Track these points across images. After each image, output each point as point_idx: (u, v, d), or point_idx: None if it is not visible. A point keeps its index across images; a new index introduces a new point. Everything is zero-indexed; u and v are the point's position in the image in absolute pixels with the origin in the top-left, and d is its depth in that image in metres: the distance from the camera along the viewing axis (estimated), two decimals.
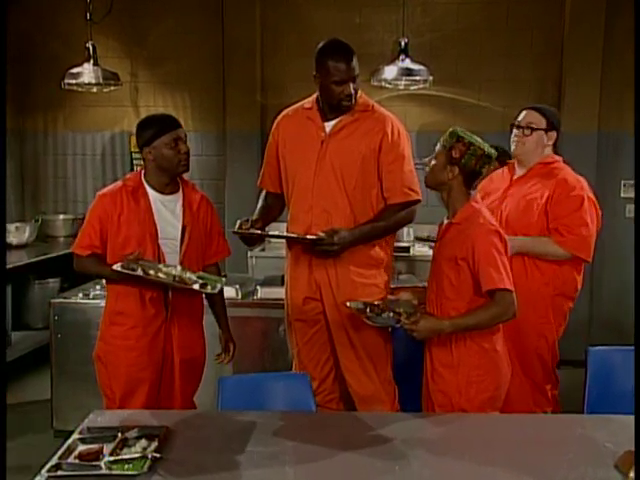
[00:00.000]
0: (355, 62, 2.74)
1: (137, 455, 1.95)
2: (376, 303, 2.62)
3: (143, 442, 2.02)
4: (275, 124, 3.02)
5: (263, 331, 3.73)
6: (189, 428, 2.22)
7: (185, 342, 2.77)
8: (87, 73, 5.03)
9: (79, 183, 6.11)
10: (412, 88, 5.19)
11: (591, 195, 3.10)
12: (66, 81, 5.06)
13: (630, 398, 2.07)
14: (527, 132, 3.13)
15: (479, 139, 2.52)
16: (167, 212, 2.73)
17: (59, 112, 6.02)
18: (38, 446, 3.29)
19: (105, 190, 2.74)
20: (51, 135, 6.08)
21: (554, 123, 3.16)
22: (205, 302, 2.91)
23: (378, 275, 2.89)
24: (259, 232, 2.82)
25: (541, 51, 5.42)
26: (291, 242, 2.93)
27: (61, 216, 5.92)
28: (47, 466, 1.90)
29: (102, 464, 1.91)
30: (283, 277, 3.14)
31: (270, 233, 2.98)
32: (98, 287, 3.89)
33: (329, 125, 2.85)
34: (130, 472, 1.88)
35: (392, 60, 4.91)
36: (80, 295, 3.89)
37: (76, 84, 5.11)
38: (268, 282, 3.92)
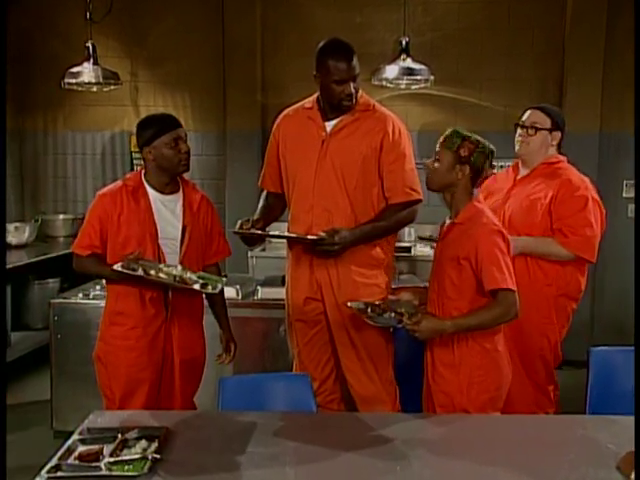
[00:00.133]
0: (355, 61, 2.73)
1: (137, 456, 1.95)
2: (377, 303, 2.61)
3: (143, 443, 2.02)
4: (276, 124, 3.01)
5: (264, 331, 3.73)
6: (189, 429, 2.22)
7: (185, 342, 2.77)
8: (87, 72, 5.03)
9: (79, 183, 6.11)
10: (413, 87, 5.18)
11: (595, 195, 3.09)
12: (66, 80, 5.05)
13: (632, 399, 2.06)
14: (531, 132, 3.12)
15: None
16: (167, 212, 2.72)
17: (59, 111, 6.02)
18: (38, 447, 3.27)
19: (105, 190, 2.73)
20: (51, 135, 6.08)
21: (559, 123, 3.15)
22: (205, 302, 2.91)
23: (379, 275, 2.88)
24: (260, 232, 2.81)
25: (542, 50, 5.41)
26: (292, 242, 2.93)
27: (61, 216, 5.92)
28: (47, 467, 1.89)
29: (102, 465, 1.90)
30: (284, 277, 3.14)
31: (271, 233, 2.97)
32: (98, 287, 3.89)
33: (330, 125, 2.84)
34: (130, 473, 1.88)
35: (393, 59, 4.90)
36: (80, 295, 3.88)
37: (76, 83, 5.11)
38: (269, 282, 3.92)
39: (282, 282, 3.26)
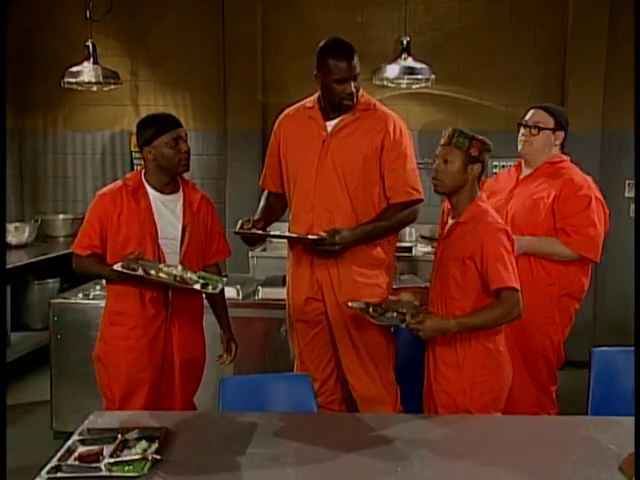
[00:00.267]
0: (356, 60, 2.72)
1: (137, 457, 1.94)
2: (378, 303, 2.60)
3: (143, 443, 2.01)
4: (277, 123, 3.01)
5: (264, 332, 3.72)
6: (190, 429, 2.21)
7: (185, 342, 2.76)
8: (87, 72, 5.03)
9: (79, 183, 6.10)
10: (414, 87, 5.17)
11: (599, 195, 3.08)
12: (66, 80, 5.05)
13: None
14: (534, 131, 3.11)
15: None
16: (167, 212, 2.72)
17: (59, 111, 6.01)
18: (38, 447, 3.26)
19: (105, 190, 2.73)
20: (51, 134, 6.07)
21: (562, 122, 3.14)
22: (206, 302, 2.90)
23: (380, 275, 2.87)
24: (260, 232, 2.81)
25: (544, 49, 5.40)
26: (293, 242, 2.92)
27: (61, 216, 5.91)
28: (47, 468, 1.89)
29: (102, 466, 1.90)
30: (284, 277, 3.13)
31: (272, 233, 2.96)
32: (98, 287, 3.88)
33: (331, 124, 2.83)
34: (130, 474, 1.87)
35: (394, 59, 4.90)
36: (80, 295, 3.87)
37: (76, 83, 5.11)
38: (269, 282, 3.91)
39: (283, 282, 3.25)
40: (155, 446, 1.99)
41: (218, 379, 2.58)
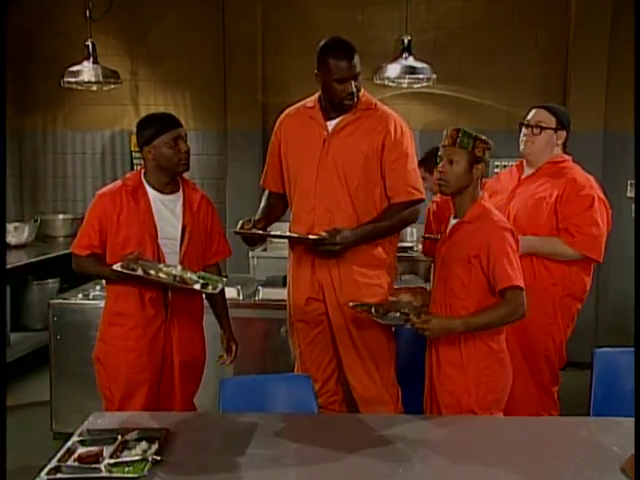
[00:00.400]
0: (357, 60, 2.71)
1: (137, 457, 1.94)
2: (380, 304, 2.59)
3: (143, 444, 2.01)
4: (277, 123, 3.00)
5: (265, 332, 3.71)
6: (190, 430, 2.20)
7: (185, 343, 2.75)
8: (87, 71, 5.02)
9: (79, 182, 6.09)
10: (415, 86, 5.16)
11: (601, 194, 3.07)
12: (66, 79, 5.05)
13: None
14: (536, 131, 3.10)
15: None
16: (167, 212, 2.71)
17: (58, 111, 6.00)
18: (37, 448, 3.25)
19: (105, 189, 2.72)
20: (50, 134, 6.07)
21: (564, 122, 3.13)
22: (206, 303, 2.89)
23: (381, 275, 2.86)
24: (261, 232, 2.80)
25: (546, 49, 5.39)
26: (293, 242, 2.91)
27: (60, 216, 5.90)
28: (46, 469, 1.88)
29: (102, 467, 1.89)
30: (285, 278, 3.12)
31: (272, 233, 2.95)
32: (98, 288, 3.87)
33: (331, 124, 2.82)
34: (130, 475, 1.87)
35: (395, 58, 4.89)
36: (79, 296, 3.87)
37: (76, 82, 5.10)
38: (270, 283, 3.90)
39: (283, 282, 3.25)
40: (155, 447, 1.98)
41: (218, 379, 2.57)
